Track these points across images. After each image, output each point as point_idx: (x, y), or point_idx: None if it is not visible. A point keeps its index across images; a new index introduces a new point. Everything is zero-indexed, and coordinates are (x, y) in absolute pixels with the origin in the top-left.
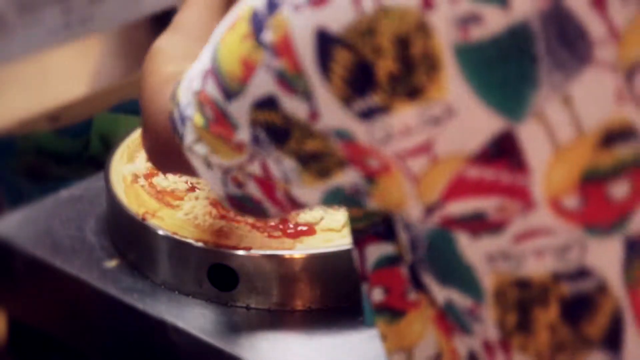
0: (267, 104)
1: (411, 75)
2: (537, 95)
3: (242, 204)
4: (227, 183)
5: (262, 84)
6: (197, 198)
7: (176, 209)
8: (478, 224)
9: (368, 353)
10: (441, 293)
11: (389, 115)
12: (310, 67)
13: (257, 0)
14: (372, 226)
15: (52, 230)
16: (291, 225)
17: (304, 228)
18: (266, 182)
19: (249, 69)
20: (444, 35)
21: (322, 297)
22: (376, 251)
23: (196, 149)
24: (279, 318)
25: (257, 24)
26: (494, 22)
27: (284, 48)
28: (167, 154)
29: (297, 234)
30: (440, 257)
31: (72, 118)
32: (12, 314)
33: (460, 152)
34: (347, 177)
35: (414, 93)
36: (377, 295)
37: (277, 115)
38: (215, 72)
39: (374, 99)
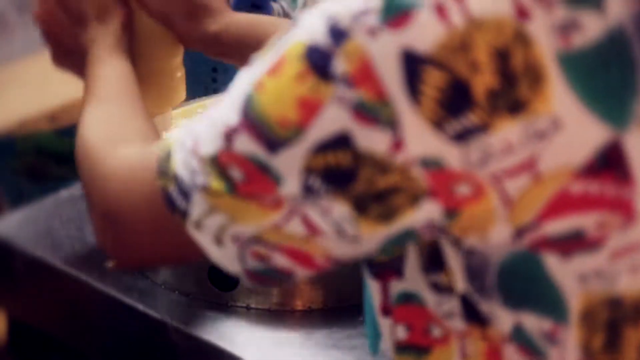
0: (335, 143)
1: (513, 89)
2: (638, 102)
3: (264, 277)
4: (244, 258)
5: (331, 122)
6: None
7: None
8: (573, 243)
9: (368, 353)
10: (509, 318)
11: (487, 134)
12: (397, 92)
13: (309, 35)
14: (395, 260)
15: (52, 230)
16: None
17: None
18: (298, 252)
19: (310, 109)
20: (545, 45)
21: (322, 297)
22: (397, 286)
23: (207, 223)
24: (279, 318)
25: (319, 58)
26: (592, 27)
27: (363, 76)
28: (152, 242)
29: None
30: (516, 281)
31: (72, 118)
32: (12, 314)
33: (566, 166)
34: (422, 213)
35: (516, 108)
36: (400, 333)
37: (345, 155)
38: (253, 125)
39: (471, 119)
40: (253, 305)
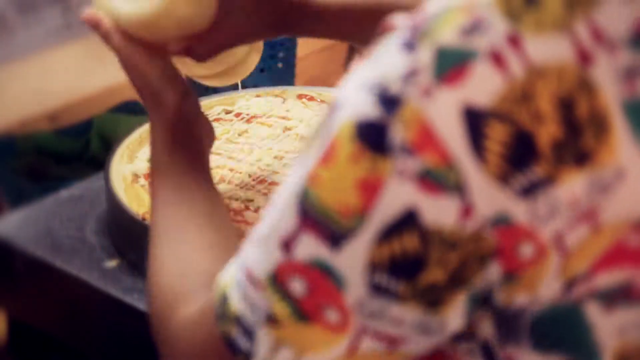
0: (401, 224)
1: (578, 139)
2: None
3: None
4: None
5: (395, 199)
6: None
7: None
8: (620, 295)
9: None
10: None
11: (554, 187)
12: (462, 153)
13: (356, 111)
14: None
15: (52, 230)
16: None
17: None
18: None
19: (371, 190)
20: (610, 92)
21: None
22: None
23: None
24: None
25: (373, 132)
26: None
27: (425, 141)
28: None
29: None
30: (552, 329)
31: (72, 118)
32: (12, 314)
33: (627, 218)
34: (486, 277)
35: (582, 159)
36: None
37: (412, 237)
38: (315, 222)
39: (537, 172)
40: None
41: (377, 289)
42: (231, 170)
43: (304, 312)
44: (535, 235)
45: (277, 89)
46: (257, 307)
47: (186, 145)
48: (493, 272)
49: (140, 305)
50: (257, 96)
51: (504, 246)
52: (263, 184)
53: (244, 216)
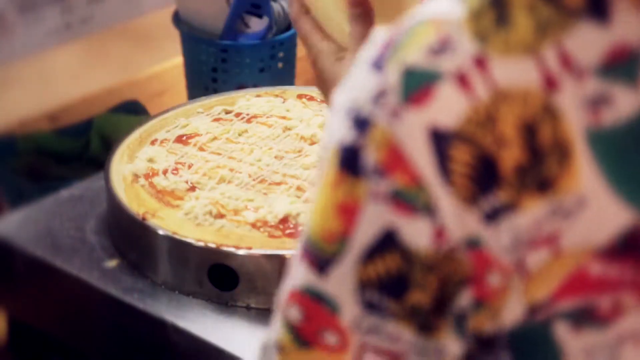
0: (382, 245)
1: (541, 165)
2: None
3: None
4: None
5: (372, 221)
6: (197, 198)
7: (176, 209)
8: (584, 318)
9: None
10: None
11: (516, 214)
12: (430, 174)
13: (336, 136)
14: None
15: (52, 230)
16: (291, 225)
17: None
18: None
19: (350, 212)
20: (575, 119)
21: None
22: None
23: None
24: None
25: (349, 156)
26: (625, 104)
27: (394, 161)
28: None
29: (297, 234)
30: (526, 344)
31: (72, 118)
32: (12, 314)
33: (587, 245)
34: (459, 303)
35: (544, 185)
36: None
37: (393, 258)
38: (307, 250)
39: (500, 196)
40: (253, 305)
41: (371, 306)
42: (231, 170)
43: (303, 338)
44: (500, 262)
45: (277, 89)
46: (272, 333)
47: None
48: (465, 298)
49: (140, 305)
50: (257, 96)
51: (476, 272)
52: (263, 184)
53: (244, 216)
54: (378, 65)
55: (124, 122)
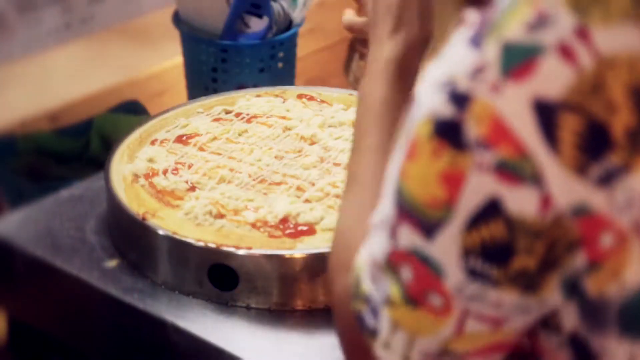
0: (487, 213)
1: None
2: None
3: None
4: None
5: (478, 190)
6: (197, 198)
7: (176, 209)
8: None
9: None
10: (624, 353)
11: (630, 176)
12: (535, 144)
13: (430, 110)
14: None
15: (52, 230)
16: (291, 225)
17: (304, 228)
18: (491, 347)
19: (454, 183)
20: None
21: (322, 297)
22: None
23: (394, 344)
24: (279, 318)
25: (449, 130)
26: None
27: (498, 134)
28: None
29: (297, 234)
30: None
31: (72, 118)
32: (12, 314)
33: None
34: (573, 264)
35: None
36: None
37: (498, 225)
38: (408, 214)
39: (613, 160)
40: (253, 305)
41: (474, 274)
42: (231, 170)
43: (411, 297)
44: (614, 224)
45: (277, 89)
46: (380, 288)
47: (406, 89)
48: (579, 260)
49: (140, 305)
50: (257, 96)
51: (586, 235)
52: (263, 184)
53: (244, 216)
54: (475, 42)
55: (124, 122)
